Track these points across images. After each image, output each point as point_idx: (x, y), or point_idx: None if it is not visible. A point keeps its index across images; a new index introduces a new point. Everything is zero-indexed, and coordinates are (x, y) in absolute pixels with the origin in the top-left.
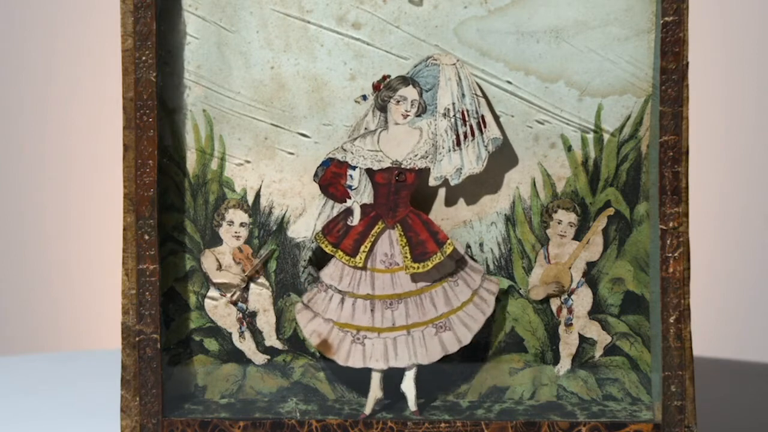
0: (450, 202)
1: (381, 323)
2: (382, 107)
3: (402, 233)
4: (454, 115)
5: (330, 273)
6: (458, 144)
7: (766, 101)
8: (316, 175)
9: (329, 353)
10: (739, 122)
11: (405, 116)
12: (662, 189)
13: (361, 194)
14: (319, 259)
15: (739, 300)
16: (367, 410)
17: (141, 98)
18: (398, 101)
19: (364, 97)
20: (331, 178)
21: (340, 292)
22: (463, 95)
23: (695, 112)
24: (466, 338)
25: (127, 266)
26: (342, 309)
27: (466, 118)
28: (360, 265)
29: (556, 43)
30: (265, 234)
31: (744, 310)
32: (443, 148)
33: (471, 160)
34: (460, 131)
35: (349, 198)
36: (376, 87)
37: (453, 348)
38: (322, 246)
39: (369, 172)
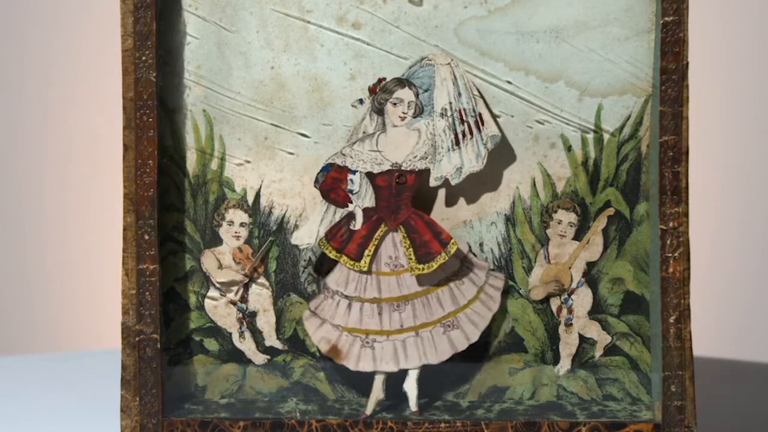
0: (450, 202)
1: (389, 326)
2: (379, 110)
3: (405, 235)
4: (452, 115)
5: (336, 279)
6: (457, 143)
7: (766, 101)
8: (316, 181)
9: (339, 359)
10: (739, 122)
11: (402, 118)
12: (662, 189)
13: (363, 198)
14: (321, 263)
15: (739, 300)
16: (368, 410)
17: (141, 98)
18: (395, 103)
19: (361, 101)
20: (332, 183)
21: (346, 297)
22: (460, 94)
23: (695, 112)
24: (475, 335)
25: (127, 266)
26: (350, 314)
27: (464, 117)
28: (365, 269)
29: (556, 43)
30: (265, 234)
31: (744, 310)
32: (442, 147)
33: (471, 159)
34: (459, 130)
35: (351, 202)
36: (372, 90)
37: (462, 346)
38: (326, 251)
39: (369, 175)
